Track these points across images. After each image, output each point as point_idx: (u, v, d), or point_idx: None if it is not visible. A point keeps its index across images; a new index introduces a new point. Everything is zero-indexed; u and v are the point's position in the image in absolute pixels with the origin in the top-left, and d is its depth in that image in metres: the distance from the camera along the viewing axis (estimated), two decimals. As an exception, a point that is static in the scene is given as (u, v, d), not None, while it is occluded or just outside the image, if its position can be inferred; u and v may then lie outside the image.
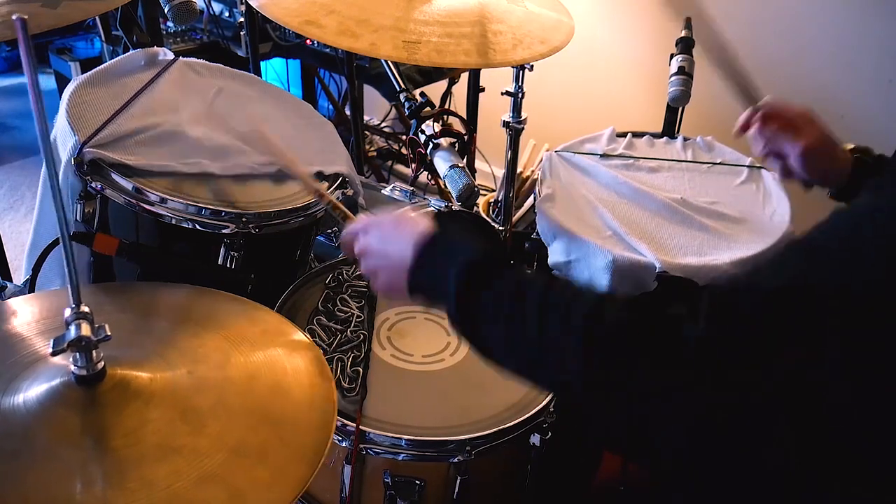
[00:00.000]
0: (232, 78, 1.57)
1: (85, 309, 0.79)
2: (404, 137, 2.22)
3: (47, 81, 3.23)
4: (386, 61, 1.81)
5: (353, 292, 1.26)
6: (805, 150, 1.14)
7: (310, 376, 0.90)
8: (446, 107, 2.53)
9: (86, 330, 0.77)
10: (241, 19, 2.40)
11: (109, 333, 0.79)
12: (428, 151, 1.69)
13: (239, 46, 2.45)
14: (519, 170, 2.10)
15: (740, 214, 1.47)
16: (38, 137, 0.72)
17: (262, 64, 2.49)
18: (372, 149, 2.97)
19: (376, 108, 3.05)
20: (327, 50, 2.47)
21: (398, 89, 1.79)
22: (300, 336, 0.97)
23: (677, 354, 0.67)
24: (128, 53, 1.51)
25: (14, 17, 0.66)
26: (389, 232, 0.89)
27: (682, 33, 1.78)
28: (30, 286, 1.31)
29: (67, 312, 0.79)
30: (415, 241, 0.84)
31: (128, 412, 0.79)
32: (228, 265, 1.24)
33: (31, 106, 0.70)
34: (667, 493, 0.95)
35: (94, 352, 0.79)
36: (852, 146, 1.18)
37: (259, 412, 0.84)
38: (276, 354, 0.93)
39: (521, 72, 1.71)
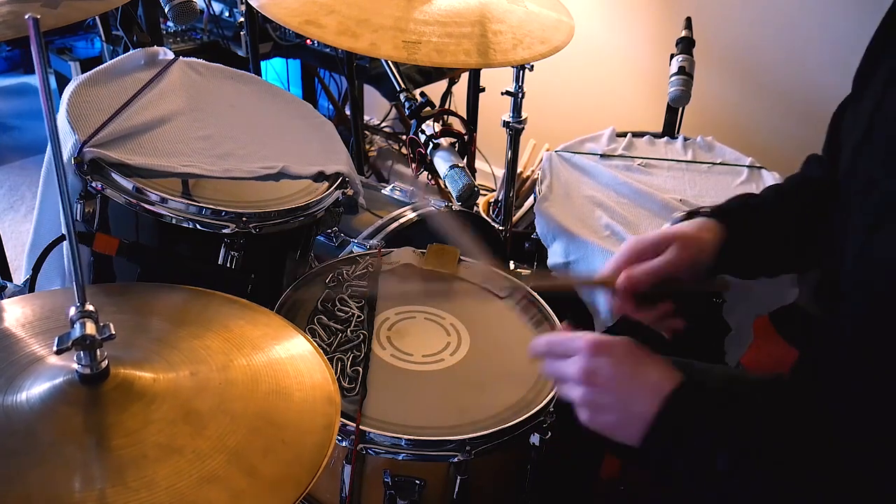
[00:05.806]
0: (232, 78, 1.57)
1: (90, 307, 0.79)
2: (404, 137, 2.22)
3: (47, 81, 3.23)
4: (386, 61, 1.81)
5: (353, 292, 1.26)
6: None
7: (312, 379, 0.91)
8: (446, 107, 2.54)
9: (90, 328, 0.78)
10: (241, 19, 2.40)
11: (114, 332, 0.79)
12: (428, 151, 1.69)
13: (239, 46, 2.45)
14: (519, 170, 2.11)
15: (740, 214, 1.47)
16: (47, 136, 0.72)
17: (262, 64, 2.49)
18: (372, 149, 2.97)
19: (376, 108, 3.05)
20: (327, 50, 2.47)
21: (398, 89, 1.79)
22: (302, 339, 0.97)
23: None
24: (128, 53, 1.51)
25: (27, 16, 0.67)
26: (627, 372, 0.81)
27: (683, 33, 1.78)
28: (30, 286, 1.31)
29: (72, 311, 0.79)
30: (660, 396, 0.79)
31: (130, 412, 0.79)
32: (228, 265, 1.24)
33: (42, 105, 0.70)
34: (668, 493, 0.95)
35: (97, 350, 0.79)
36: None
37: (261, 414, 0.84)
38: (277, 357, 0.93)
39: (521, 72, 1.71)
